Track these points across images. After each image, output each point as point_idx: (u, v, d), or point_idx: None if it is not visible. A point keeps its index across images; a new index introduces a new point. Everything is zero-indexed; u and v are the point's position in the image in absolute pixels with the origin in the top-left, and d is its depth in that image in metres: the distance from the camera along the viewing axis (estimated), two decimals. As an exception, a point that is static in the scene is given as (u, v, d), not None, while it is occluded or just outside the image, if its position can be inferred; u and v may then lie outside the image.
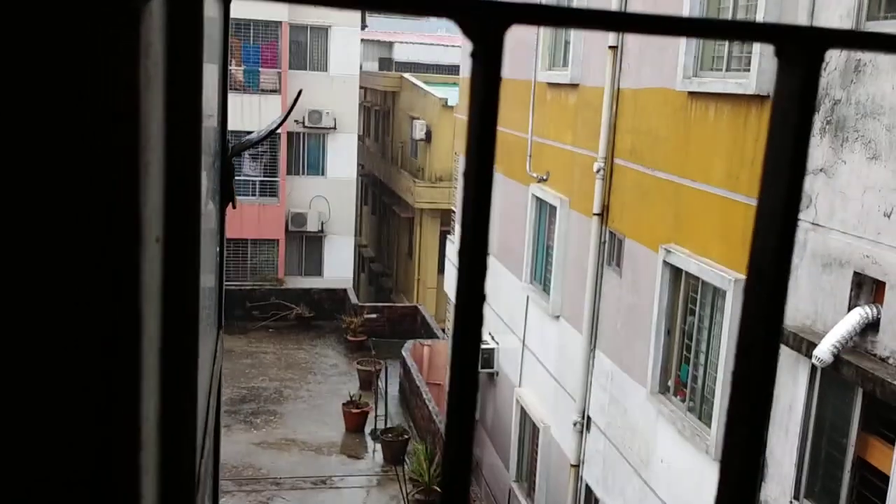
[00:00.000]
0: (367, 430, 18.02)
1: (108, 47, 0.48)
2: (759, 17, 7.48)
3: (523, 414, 13.51)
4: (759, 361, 0.50)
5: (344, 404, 18.20)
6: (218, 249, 1.94)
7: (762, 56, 7.42)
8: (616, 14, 0.42)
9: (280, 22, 25.77)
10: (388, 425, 17.50)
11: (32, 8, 0.47)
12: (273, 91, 25.76)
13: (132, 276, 0.53)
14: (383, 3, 0.38)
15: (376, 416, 17.84)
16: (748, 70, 7.75)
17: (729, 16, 8.28)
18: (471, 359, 0.43)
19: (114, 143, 0.50)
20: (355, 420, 17.99)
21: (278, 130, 25.52)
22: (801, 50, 0.45)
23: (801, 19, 6.90)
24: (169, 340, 0.84)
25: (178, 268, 0.83)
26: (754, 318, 0.49)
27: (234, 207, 1.99)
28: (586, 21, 0.42)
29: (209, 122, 1.58)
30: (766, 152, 0.47)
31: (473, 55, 0.38)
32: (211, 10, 1.50)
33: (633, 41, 10.12)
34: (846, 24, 6.45)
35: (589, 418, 11.14)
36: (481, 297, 0.43)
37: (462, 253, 0.41)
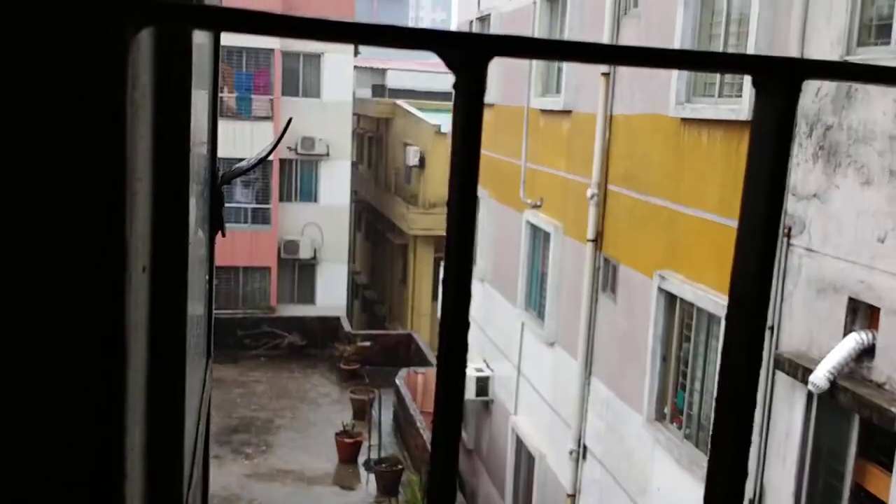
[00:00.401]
0: (361, 460, 17.86)
1: (96, 78, 0.48)
2: (751, 43, 7.53)
3: (519, 442, 13.41)
4: (742, 385, 0.49)
5: (337, 434, 18.05)
6: (207, 277, 1.91)
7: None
8: (593, 45, 0.41)
9: (273, 49, 25.91)
10: (382, 455, 17.35)
11: (20, 37, 0.47)
12: (265, 118, 25.84)
13: (117, 306, 0.52)
14: (367, 38, 0.36)
15: (370, 446, 17.70)
16: (740, 96, 7.80)
17: (721, 42, 8.34)
18: (456, 382, 0.42)
19: (100, 174, 0.50)
20: (348, 450, 17.83)
21: (270, 157, 25.57)
22: (778, 81, 0.45)
23: (792, 45, 6.95)
24: (156, 370, 0.82)
25: (165, 297, 0.82)
26: (737, 343, 0.48)
27: (223, 236, 1.96)
28: (564, 53, 0.41)
29: (199, 149, 1.56)
30: (745, 181, 0.47)
31: (456, 87, 0.37)
32: (200, 37, 1.49)
33: (625, 68, 10.18)
34: (836, 50, 6.49)
35: (585, 446, 11.06)
36: (465, 324, 0.41)
37: (446, 282, 0.39)
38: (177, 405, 0.94)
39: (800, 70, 0.46)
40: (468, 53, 0.37)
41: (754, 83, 0.47)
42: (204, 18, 0.39)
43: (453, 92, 0.40)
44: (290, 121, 3.91)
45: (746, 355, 0.49)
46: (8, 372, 0.52)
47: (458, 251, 0.40)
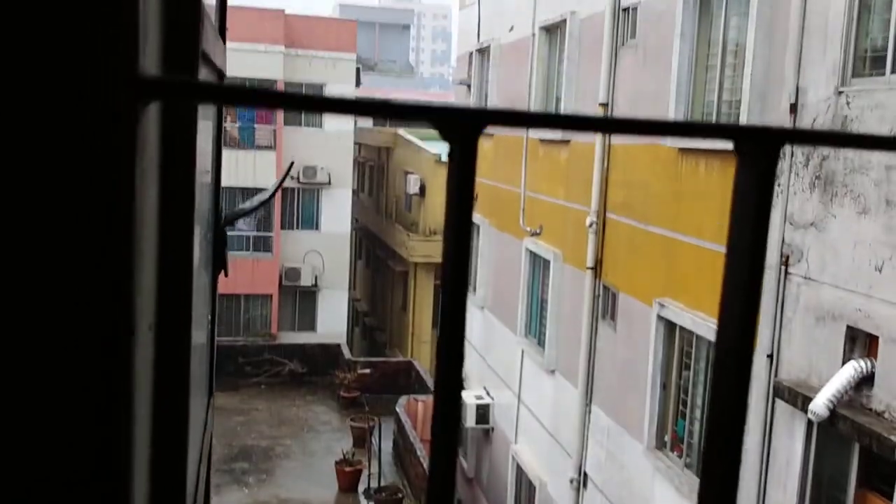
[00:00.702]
0: (361, 488, 17.74)
1: (106, 152, 0.50)
2: (747, 73, 7.62)
3: (519, 471, 13.34)
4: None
5: (337, 462, 17.95)
6: (209, 317, 1.94)
7: (751, 113, 7.54)
8: (585, 117, 0.45)
9: (276, 80, 26.11)
10: (382, 484, 17.24)
11: (36, 105, 0.49)
12: (268, 147, 25.99)
13: (124, 370, 0.54)
14: (367, 110, 0.40)
15: (370, 474, 17.59)
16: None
17: (717, 72, 8.42)
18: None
19: (111, 241, 0.52)
20: (348, 478, 17.72)
21: (275, 190, 25.65)
22: (758, 147, 0.49)
23: (788, 76, 7.03)
24: (159, 427, 0.84)
25: (168, 354, 0.84)
26: (723, 405, 0.50)
27: (226, 275, 2.00)
28: (556, 123, 0.45)
29: (203, 192, 1.60)
30: (728, 245, 0.50)
31: (450, 155, 0.41)
32: (206, 75, 1.53)
33: (623, 97, 10.27)
34: (832, 81, 6.57)
35: (585, 475, 11.01)
36: (459, 386, 0.44)
37: (439, 349, 0.42)
38: (178, 462, 0.95)
39: (779, 137, 0.49)
40: (462, 125, 0.41)
41: (735, 149, 0.50)
42: (209, 94, 0.43)
43: (447, 160, 0.43)
44: (291, 164, 3.96)
45: (732, 417, 0.50)
46: (12, 425, 0.53)
47: (451, 317, 0.43)
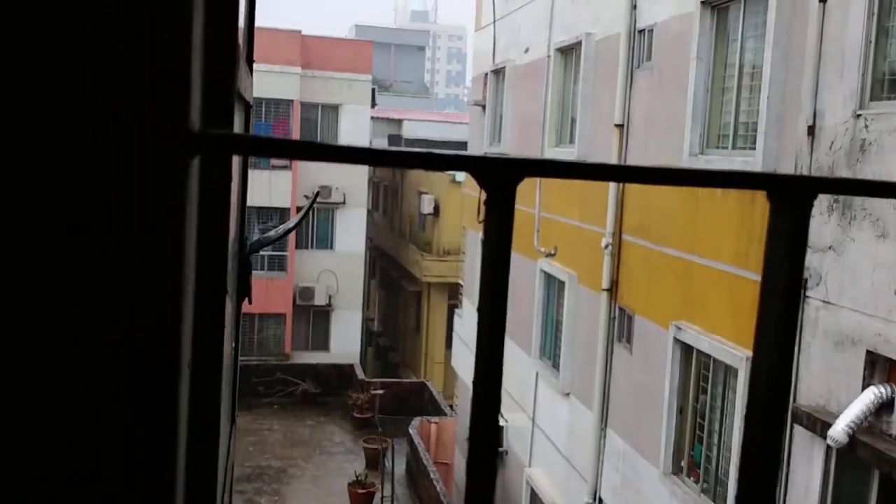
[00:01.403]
0: (374, 510, 17.65)
1: (159, 204, 0.52)
2: (763, 98, 7.59)
3: (533, 495, 13.23)
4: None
5: (349, 484, 17.88)
6: (234, 345, 1.94)
7: (767, 136, 7.51)
8: (613, 166, 0.44)
9: (291, 101, 26.30)
10: (395, 505, 17.15)
11: (96, 162, 0.51)
12: (283, 167, 26.13)
13: (172, 407, 0.55)
14: (406, 161, 0.39)
15: (382, 497, 17.50)
16: (754, 148, 7.84)
17: (733, 95, 8.40)
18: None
19: (162, 284, 0.53)
20: (361, 501, 17.64)
21: (288, 206, 25.79)
22: (791, 197, 0.48)
23: (805, 99, 7.00)
24: (191, 464, 0.84)
25: (202, 391, 0.84)
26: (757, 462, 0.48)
27: (250, 303, 2.00)
28: (589, 173, 0.44)
29: (230, 221, 1.61)
30: (762, 289, 0.48)
31: (487, 204, 0.40)
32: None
33: (638, 119, 10.27)
34: (849, 104, 6.53)
35: (601, 499, 10.90)
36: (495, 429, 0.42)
37: (475, 403, 0.41)
38: (209, 498, 0.96)
39: (812, 186, 0.48)
40: (500, 175, 0.40)
41: (769, 197, 0.49)
42: (250, 147, 0.42)
43: (485, 207, 0.43)
44: (317, 193, 3.99)
45: (765, 470, 0.50)
46: (61, 465, 0.54)
47: (487, 362, 0.42)
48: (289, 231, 3.44)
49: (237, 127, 1.48)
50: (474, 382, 0.42)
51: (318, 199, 26.90)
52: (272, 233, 3.26)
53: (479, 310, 0.42)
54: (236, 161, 1.64)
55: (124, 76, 0.49)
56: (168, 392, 0.53)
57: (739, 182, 0.51)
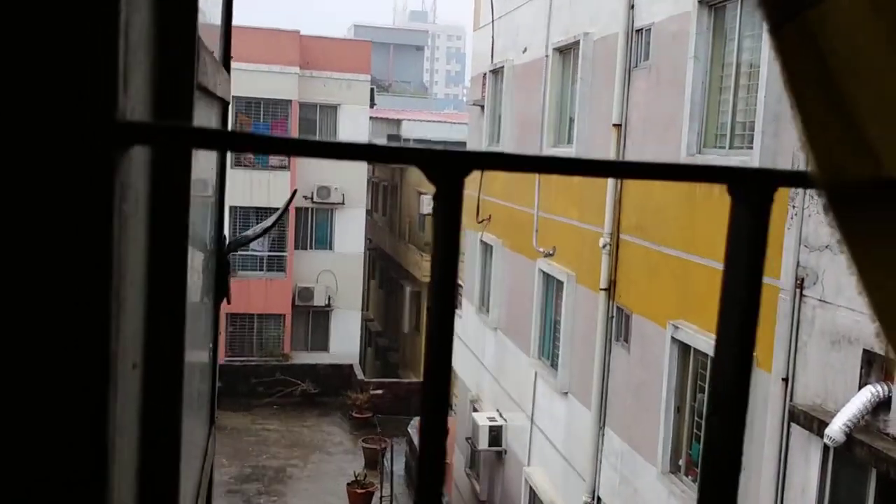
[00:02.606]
0: (373, 510, 17.66)
1: (80, 201, 0.50)
2: (761, 97, 7.60)
3: (532, 494, 13.24)
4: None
5: (349, 484, 17.89)
6: (211, 346, 1.93)
7: (765, 134, 7.52)
8: (568, 160, 0.44)
9: (290, 101, 26.31)
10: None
11: (11, 152, 0.49)
12: (282, 168, 26.13)
13: (100, 405, 0.53)
14: (358, 155, 0.39)
15: (381, 497, 17.51)
16: (751, 147, 7.84)
17: (731, 94, 8.41)
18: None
19: (82, 282, 0.52)
20: (360, 500, 17.65)
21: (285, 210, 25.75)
22: (752, 189, 0.48)
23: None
24: (148, 467, 0.83)
25: (158, 391, 0.84)
26: (719, 451, 0.49)
27: (228, 303, 1.99)
28: (537, 166, 0.44)
29: (205, 218, 1.59)
30: (723, 284, 0.49)
31: (435, 198, 0.40)
32: (205, 118, 1.54)
33: (636, 119, 10.27)
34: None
35: (599, 499, 10.91)
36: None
37: (424, 399, 0.42)
38: (169, 492, 0.95)
39: (773, 179, 0.49)
40: (448, 169, 0.40)
41: (729, 191, 0.49)
42: (188, 139, 0.42)
43: (433, 202, 0.43)
44: (295, 192, 3.99)
45: (727, 469, 0.50)
46: None
47: (436, 361, 0.42)
48: (266, 230, 3.44)
49: (207, 124, 1.48)
50: (424, 392, 0.42)
51: (318, 200, 26.90)
52: (250, 232, 3.26)
53: (429, 303, 0.42)
54: (209, 157, 1.64)
55: (41, 63, 0.49)
56: (95, 394, 0.52)
57: (700, 175, 0.51)
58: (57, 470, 0.53)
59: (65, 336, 0.51)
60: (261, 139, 0.39)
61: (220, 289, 1.87)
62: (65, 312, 0.51)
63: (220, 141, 0.40)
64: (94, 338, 0.52)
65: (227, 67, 1.98)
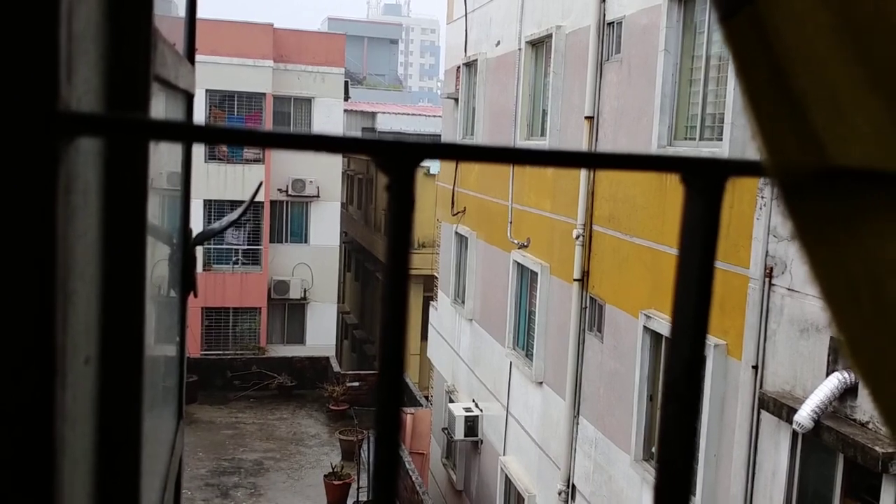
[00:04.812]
0: (350, 502, 17.68)
1: (19, 185, 0.49)
2: (730, 89, 7.69)
3: (508, 483, 13.33)
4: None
5: (326, 476, 17.89)
6: (178, 339, 1.94)
7: (734, 125, 7.61)
8: (520, 150, 0.47)
9: (264, 94, 26.14)
10: (371, 497, 17.16)
11: None
12: (256, 161, 25.98)
13: (46, 402, 0.53)
14: (313, 145, 0.42)
15: (359, 488, 17.54)
16: (721, 139, 7.94)
17: (700, 86, 8.50)
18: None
19: (25, 276, 0.51)
20: (337, 492, 17.66)
21: (262, 200, 25.66)
22: (704, 178, 0.49)
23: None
24: (106, 461, 0.83)
25: (116, 385, 0.84)
26: (671, 439, 0.50)
27: (195, 296, 2.01)
28: (488, 157, 0.46)
29: (169, 210, 1.60)
30: (676, 274, 0.51)
31: (387, 188, 0.43)
32: (169, 111, 1.54)
33: (608, 111, 10.35)
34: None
35: (574, 486, 11.02)
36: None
37: (378, 386, 0.44)
38: (130, 493, 0.93)
39: (724, 168, 0.50)
40: (398, 158, 0.43)
41: (682, 180, 0.50)
42: (134, 130, 0.43)
43: (386, 192, 0.46)
44: (260, 184, 3.98)
45: (681, 452, 0.51)
46: None
47: (390, 346, 0.44)
48: (233, 223, 3.42)
49: (170, 116, 1.48)
50: (378, 384, 0.45)
51: (293, 193, 26.78)
52: (216, 225, 3.28)
53: (383, 290, 0.45)
54: (173, 149, 1.65)
55: None
56: (40, 387, 0.52)
57: (654, 165, 0.52)
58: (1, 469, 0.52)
59: (7, 328, 0.51)
60: (211, 130, 0.41)
61: (186, 282, 1.88)
62: (6, 305, 0.50)
63: (167, 132, 0.41)
64: (38, 331, 0.51)
65: (192, 59, 1.98)
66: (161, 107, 1.28)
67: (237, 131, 0.41)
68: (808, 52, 0.47)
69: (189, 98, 1.87)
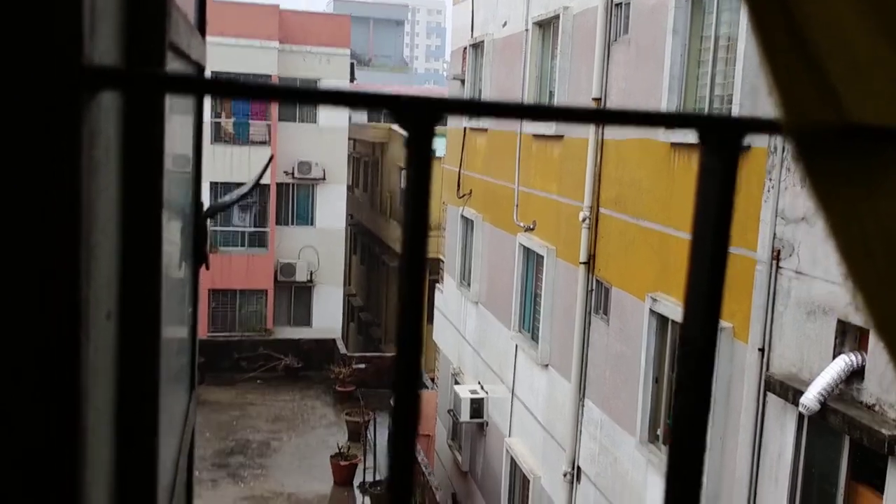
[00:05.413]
0: (356, 482, 17.79)
1: (47, 145, 0.50)
2: (738, 70, 7.64)
3: (513, 464, 13.39)
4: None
5: (332, 456, 17.99)
6: (191, 310, 1.95)
7: (742, 107, 7.57)
8: (537, 107, 0.46)
9: (270, 75, 26.07)
10: (378, 478, 17.29)
11: None
12: (262, 143, 25.96)
13: (72, 354, 0.54)
14: (330, 100, 0.41)
15: (365, 469, 17.63)
16: (729, 121, 7.88)
17: (709, 67, 8.44)
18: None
19: (49, 234, 0.52)
20: (344, 472, 17.76)
21: (268, 182, 25.65)
22: (721, 137, 0.49)
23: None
24: (125, 417, 0.84)
25: (135, 341, 0.84)
26: (689, 404, 0.50)
27: (206, 268, 2.02)
28: (506, 112, 0.46)
29: (181, 184, 1.60)
30: (693, 233, 0.50)
31: (407, 144, 0.43)
32: (183, 66, 1.54)
33: (616, 93, 10.29)
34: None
35: (579, 468, 11.05)
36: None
37: (398, 338, 0.44)
38: (149, 455, 0.95)
39: (741, 127, 0.50)
40: (419, 114, 0.42)
41: (700, 139, 0.50)
42: (155, 84, 0.43)
43: (405, 148, 0.45)
44: (272, 157, 3.97)
45: (694, 422, 0.51)
46: None
47: (408, 305, 0.44)
48: (244, 195, 3.45)
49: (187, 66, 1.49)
50: (397, 351, 0.45)
51: (299, 176, 26.76)
52: (227, 197, 3.27)
53: (401, 250, 0.45)
54: (185, 121, 1.65)
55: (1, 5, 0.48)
56: (66, 336, 0.53)
57: (671, 122, 0.52)
58: (28, 413, 0.53)
59: (35, 278, 0.52)
60: (231, 85, 0.40)
61: (198, 254, 1.89)
62: (33, 254, 0.51)
63: (187, 86, 0.41)
64: (64, 280, 0.52)
65: (203, 33, 1.98)
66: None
67: (253, 85, 0.41)
68: (825, 7, 0.47)
69: (200, 70, 1.86)
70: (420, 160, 0.42)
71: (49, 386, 0.54)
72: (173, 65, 1.19)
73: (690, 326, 0.52)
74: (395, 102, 0.42)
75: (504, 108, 0.47)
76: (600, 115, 0.52)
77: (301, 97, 0.41)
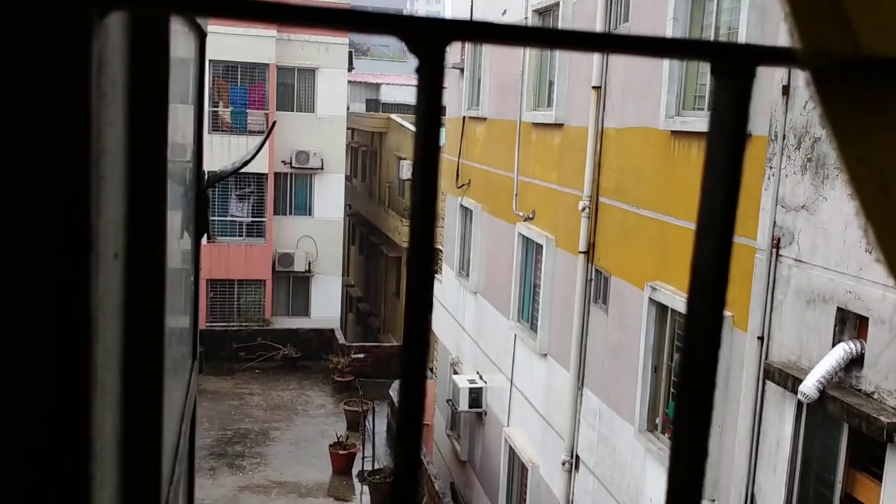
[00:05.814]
0: (355, 471, 17.82)
1: (56, 62, 0.50)
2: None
3: (512, 453, 13.41)
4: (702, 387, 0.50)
5: (331, 445, 18.03)
6: (193, 279, 1.94)
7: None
8: (547, 30, 0.45)
9: (267, 64, 25.99)
10: (376, 467, 17.33)
11: None
12: (260, 132, 25.89)
13: (83, 286, 0.53)
14: (331, 22, 0.40)
15: (363, 458, 17.67)
16: (729, 109, 7.86)
17: (708, 66, 8.40)
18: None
19: (60, 156, 0.51)
20: (342, 461, 17.80)
21: (265, 172, 25.61)
22: (734, 65, 0.48)
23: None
24: (131, 357, 0.83)
25: (141, 284, 0.84)
26: (699, 335, 0.49)
27: (209, 239, 2.01)
28: (521, 38, 0.44)
29: (183, 151, 1.59)
30: (704, 167, 0.49)
31: (418, 70, 0.41)
32: (185, 37, 1.52)
33: (616, 81, 10.26)
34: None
35: (577, 457, 11.07)
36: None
37: (410, 264, 0.42)
38: (154, 395, 0.95)
39: (755, 55, 0.48)
40: (429, 37, 0.41)
41: (712, 70, 0.49)
42: (165, 2, 0.42)
43: (416, 75, 0.43)
44: (273, 124, 3.96)
45: (707, 349, 0.49)
46: None
47: (420, 231, 0.42)
48: (245, 163, 3.44)
49: (186, 50, 1.47)
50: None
51: (297, 165, 26.72)
52: (228, 166, 3.26)
53: (412, 186, 0.43)
54: (185, 95, 1.63)
55: None
56: (75, 262, 0.53)
57: (683, 50, 0.51)
58: (37, 344, 0.53)
59: (46, 199, 0.51)
60: (236, 3, 0.39)
61: (200, 223, 1.88)
62: (42, 177, 0.51)
63: (193, 5, 0.40)
64: (75, 203, 0.52)
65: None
66: (179, 38, 1.26)
67: (259, 4, 0.39)
68: None
69: (202, 37, 1.85)
70: (431, 89, 0.41)
71: (62, 316, 0.53)
72: (176, 28, 1.17)
73: (699, 283, 0.51)
74: (405, 25, 0.41)
75: (517, 32, 0.45)
76: (610, 41, 0.50)
77: (306, 17, 0.39)
